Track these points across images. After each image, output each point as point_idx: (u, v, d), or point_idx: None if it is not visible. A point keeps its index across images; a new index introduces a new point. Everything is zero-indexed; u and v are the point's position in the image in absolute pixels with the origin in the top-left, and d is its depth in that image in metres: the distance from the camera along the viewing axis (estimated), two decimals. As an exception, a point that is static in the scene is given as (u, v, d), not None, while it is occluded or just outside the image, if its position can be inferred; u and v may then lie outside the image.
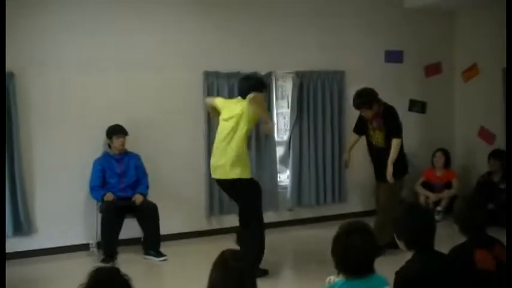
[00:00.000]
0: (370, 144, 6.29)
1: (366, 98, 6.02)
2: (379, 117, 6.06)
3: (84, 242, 6.46)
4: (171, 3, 6.81)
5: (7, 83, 6.06)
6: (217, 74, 6.95)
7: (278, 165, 7.53)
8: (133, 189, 6.35)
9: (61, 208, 6.41)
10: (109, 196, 6.13)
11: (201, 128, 6.89)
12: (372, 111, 6.01)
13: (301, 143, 7.48)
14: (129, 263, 5.84)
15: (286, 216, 7.56)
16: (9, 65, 6.04)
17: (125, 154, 6.44)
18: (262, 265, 5.34)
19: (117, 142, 6.33)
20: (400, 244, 2.98)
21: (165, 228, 6.31)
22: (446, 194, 7.68)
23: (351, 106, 6.50)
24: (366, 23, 7.86)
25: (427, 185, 7.91)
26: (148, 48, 6.73)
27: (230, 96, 6.69)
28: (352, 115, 6.79)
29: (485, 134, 7.96)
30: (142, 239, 6.42)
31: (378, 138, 6.12)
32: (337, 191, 7.75)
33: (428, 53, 8.24)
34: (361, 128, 6.36)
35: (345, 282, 2.70)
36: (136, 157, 6.49)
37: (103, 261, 5.90)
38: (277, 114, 7.63)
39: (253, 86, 5.42)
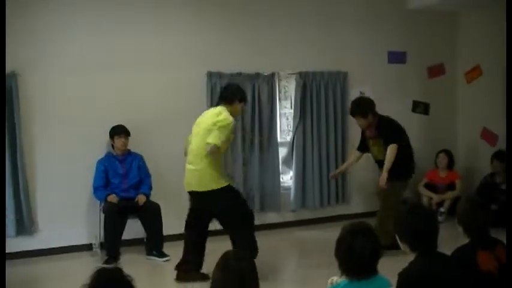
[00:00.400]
0: (373, 158, 6.40)
1: (362, 107, 6.08)
2: (373, 128, 6.11)
3: (87, 242, 6.47)
4: (174, 4, 6.82)
5: (10, 83, 6.08)
6: (220, 75, 6.95)
7: (281, 166, 7.53)
8: (136, 189, 6.36)
9: (64, 208, 6.42)
10: (112, 198, 6.14)
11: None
12: (366, 120, 6.07)
13: (305, 143, 7.48)
14: (132, 263, 5.83)
15: (289, 217, 7.56)
16: (13, 65, 6.06)
17: (128, 154, 6.45)
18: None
19: (118, 142, 6.34)
20: (402, 245, 2.98)
21: (168, 229, 6.31)
22: (450, 195, 7.66)
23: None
24: (369, 24, 7.86)
25: (430, 186, 7.89)
26: (152, 48, 6.74)
27: None
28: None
29: (488, 135, 7.95)
30: (145, 240, 6.42)
31: (378, 152, 6.20)
32: (340, 192, 7.75)
33: (431, 54, 8.23)
34: (364, 145, 6.45)
35: (348, 283, 2.70)
36: (139, 157, 6.50)
37: (106, 262, 5.90)
38: (280, 115, 7.63)
39: (235, 94, 5.30)
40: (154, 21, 6.75)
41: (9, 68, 6.04)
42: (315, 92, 7.49)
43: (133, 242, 6.46)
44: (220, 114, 5.04)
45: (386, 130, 6.06)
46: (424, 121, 8.28)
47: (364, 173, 7.49)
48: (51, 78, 6.34)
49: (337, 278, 2.89)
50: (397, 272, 2.84)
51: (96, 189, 6.30)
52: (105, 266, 5.10)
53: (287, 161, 7.65)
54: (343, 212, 7.62)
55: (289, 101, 7.74)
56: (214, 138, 4.88)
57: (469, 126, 8.35)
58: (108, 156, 6.42)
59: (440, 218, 7.07)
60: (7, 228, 6.13)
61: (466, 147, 8.47)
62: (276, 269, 5.71)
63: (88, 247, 6.45)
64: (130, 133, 6.40)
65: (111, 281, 2.37)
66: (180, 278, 5.29)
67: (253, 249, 5.09)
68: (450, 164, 7.97)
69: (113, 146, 6.42)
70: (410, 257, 2.91)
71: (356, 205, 7.85)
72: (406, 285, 2.78)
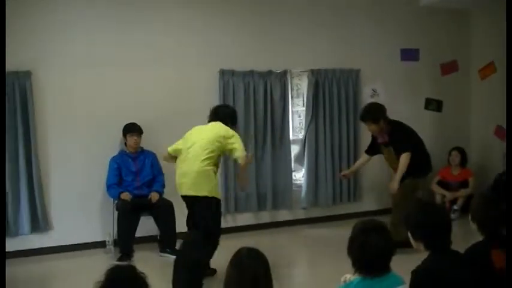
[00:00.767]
0: (388, 164, 6.42)
1: (373, 112, 6.07)
2: (385, 134, 6.10)
3: (101, 239, 6.51)
4: (186, 3, 6.84)
5: (24, 81, 6.13)
6: (232, 72, 6.96)
7: (293, 164, 7.52)
8: (149, 187, 6.39)
9: (78, 205, 6.47)
10: (126, 195, 6.18)
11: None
12: (377, 126, 6.04)
13: (317, 141, 7.47)
14: (145, 260, 5.88)
15: (301, 214, 7.57)
16: (26, 63, 6.13)
17: (141, 152, 6.48)
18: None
19: (131, 140, 6.37)
20: (414, 243, 2.97)
21: (181, 226, 6.31)
22: (463, 192, 7.63)
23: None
24: (381, 21, 7.83)
25: (443, 184, 7.86)
26: (165, 47, 6.77)
27: (245, 92, 6.94)
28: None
29: (501, 133, 7.88)
30: (158, 237, 6.45)
31: (391, 158, 6.20)
32: (352, 189, 7.74)
33: (444, 51, 8.17)
34: (373, 149, 6.46)
35: (361, 281, 2.70)
36: (152, 155, 6.52)
37: (119, 259, 5.94)
38: (292, 112, 7.63)
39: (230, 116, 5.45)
40: (167, 20, 6.78)
41: (23, 66, 6.10)
42: (327, 90, 7.47)
43: (146, 239, 6.50)
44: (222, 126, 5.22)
45: (398, 138, 6.03)
46: (436, 118, 8.24)
47: (376, 171, 7.48)
48: (65, 76, 6.38)
49: (350, 276, 2.89)
50: (410, 269, 2.83)
51: (109, 187, 6.33)
52: (119, 263, 5.15)
53: (299, 159, 7.65)
54: (356, 210, 7.61)
55: (302, 99, 7.74)
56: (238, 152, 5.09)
57: (482, 124, 8.30)
58: (121, 154, 6.45)
59: (453, 216, 7.06)
60: (22, 226, 6.21)
61: (479, 145, 8.42)
62: (287, 266, 5.71)
63: (102, 244, 6.48)
64: (143, 131, 6.42)
65: (125, 278, 2.39)
66: None
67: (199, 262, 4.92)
68: (463, 162, 7.94)
69: (125, 144, 6.45)
70: (424, 254, 2.90)
71: (368, 203, 7.83)
72: (420, 283, 2.78)
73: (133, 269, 2.45)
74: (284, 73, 7.27)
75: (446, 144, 8.06)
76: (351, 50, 7.66)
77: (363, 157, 6.74)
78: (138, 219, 6.22)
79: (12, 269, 5.81)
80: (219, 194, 5.22)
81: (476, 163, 8.33)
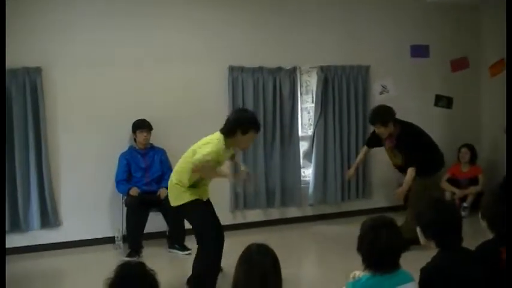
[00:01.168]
0: (392, 162, 6.38)
1: (382, 115, 6.03)
2: (393, 137, 6.07)
3: (110, 235, 6.52)
4: (195, -1, 6.86)
5: (35, 78, 6.16)
6: (241, 69, 6.96)
7: (302, 161, 7.52)
8: (158, 183, 6.40)
9: (87, 201, 6.50)
10: (134, 191, 6.20)
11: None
12: (386, 129, 6.01)
13: (326, 138, 7.46)
14: (154, 256, 5.90)
15: (310, 211, 7.56)
16: (37, 60, 6.16)
17: (150, 148, 6.49)
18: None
19: (140, 137, 6.38)
20: (424, 240, 2.95)
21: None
22: (472, 190, 7.59)
23: (375, 101, 6.47)
24: (390, 18, 7.80)
25: (452, 181, 7.82)
26: (174, 43, 6.78)
27: (254, 89, 6.95)
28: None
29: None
30: (167, 233, 6.47)
31: (396, 158, 6.19)
32: (361, 186, 7.73)
33: (455, 47, 8.11)
34: (373, 141, 6.44)
35: (370, 278, 2.69)
36: (162, 152, 6.53)
37: (128, 255, 5.97)
38: (301, 109, 7.62)
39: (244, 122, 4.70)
40: (176, 16, 6.79)
41: (34, 62, 6.13)
42: (336, 86, 7.45)
43: (155, 235, 6.52)
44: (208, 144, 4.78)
45: (405, 145, 5.98)
46: (446, 115, 8.19)
47: (386, 167, 7.43)
48: (76, 73, 6.42)
49: (359, 273, 2.89)
50: (419, 266, 2.83)
51: (118, 183, 6.35)
52: (128, 259, 5.16)
53: (308, 155, 7.64)
54: (365, 207, 7.58)
55: (311, 95, 7.72)
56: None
57: (493, 121, 8.25)
58: (131, 150, 6.46)
59: (463, 213, 7.01)
60: (32, 221, 6.24)
61: (489, 142, 8.37)
62: (297, 263, 5.71)
63: (111, 240, 6.50)
64: (153, 127, 6.43)
65: (134, 275, 2.39)
66: None
67: (207, 270, 4.84)
68: (473, 159, 7.89)
69: (135, 140, 6.47)
70: (433, 252, 2.89)
71: (378, 199, 7.81)
72: (429, 281, 2.77)
73: (143, 266, 2.45)
74: (293, 69, 7.25)
75: (456, 141, 8.02)
76: (360, 46, 7.63)
77: (363, 150, 6.73)
78: (147, 216, 6.24)
79: (22, 264, 5.85)
80: (188, 197, 4.77)
81: (486, 160, 8.28)
